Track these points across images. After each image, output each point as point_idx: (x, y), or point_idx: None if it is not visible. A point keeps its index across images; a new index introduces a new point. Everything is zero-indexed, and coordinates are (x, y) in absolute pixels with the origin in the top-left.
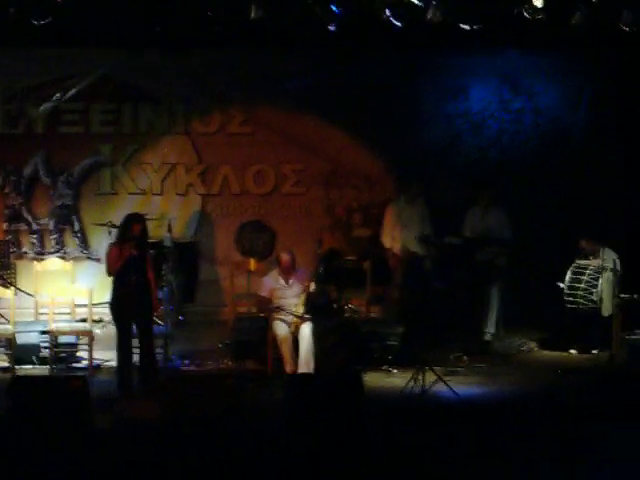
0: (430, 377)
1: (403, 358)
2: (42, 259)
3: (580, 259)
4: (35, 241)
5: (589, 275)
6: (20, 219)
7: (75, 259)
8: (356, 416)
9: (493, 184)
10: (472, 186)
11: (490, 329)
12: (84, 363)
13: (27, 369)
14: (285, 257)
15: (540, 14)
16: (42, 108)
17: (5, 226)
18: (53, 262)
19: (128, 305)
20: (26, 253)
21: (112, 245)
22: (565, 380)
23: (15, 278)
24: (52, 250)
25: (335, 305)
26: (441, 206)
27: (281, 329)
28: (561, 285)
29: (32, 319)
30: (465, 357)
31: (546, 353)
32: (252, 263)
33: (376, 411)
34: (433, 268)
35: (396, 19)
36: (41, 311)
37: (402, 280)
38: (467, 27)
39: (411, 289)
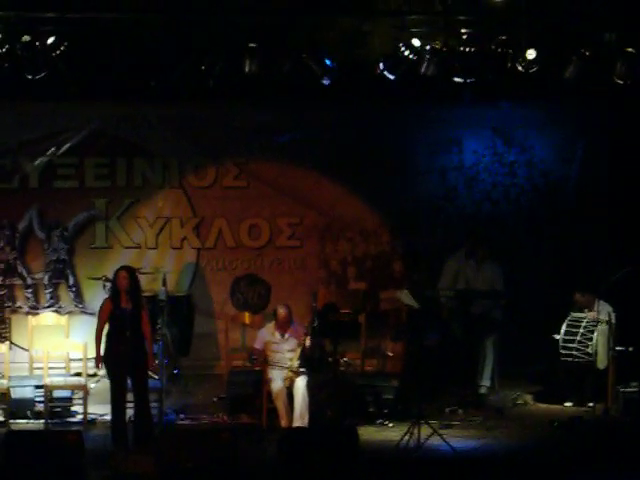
0: (426, 431)
1: (398, 412)
2: (36, 313)
3: (575, 312)
4: (30, 295)
5: (584, 328)
6: (14, 273)
7: (70, 313)
8: (351, 470)
9: (488, 237)
10: (466, 239)
11: (485, 382)
12: (79, 417)
13: (22, 423)
14: (282, 311)
15: (533, 67)
16: (36, 162)
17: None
18: (47, 316)
19: (123, 360)
20: (20, 307)
21: (105, 299)
22: (561, 433)
23: (9, 332)
24: (47, 304)
25: (330, 358)
26: (436, 259)
27: (276, 383)
28: (556, 337)
29: (27, 373)
30: (460, 410)
31: (541, 406)
32: (247, 316)
33: (371, 465)
34: (427, 322)
35: (390, 72)
36: (35, 365)
37: (397, 334)
38: (460, 80)
39: (406, 342)
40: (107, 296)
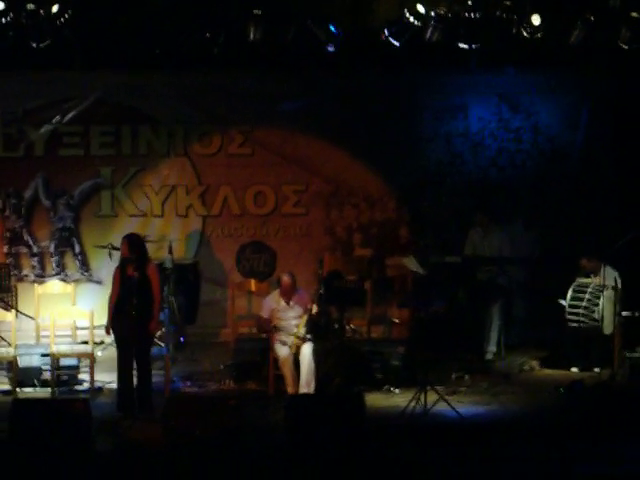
0: (432, 397)
1: (404, 378)
2: (43, 282)
3: (581, 277)
4: (36, 264)
5: (590, 293)
6: (20, 242)
7: (76, 281)
8: (358, 436)
9: (494, 205)
10: (473, 207)
11: (491, 348)
12: (86, 385)
13: (29, 392)
14: (286, 279)
15: (538, 32)
16: (41, 131)
17: (5, 249)
18: (54, 285)
19: (129, 327)
20: (27, 276)
21: (116, 267)
22: (566, 398)
23: (16, 301)
24: (53, 273)
25: (336, 325)
26: (442, 225)
27: (282, 350)
28: (562, 303)
29: (33, 342)
30: (467, 376)
31: (547, 371)
32: (253, 284)
33: (378, 431)
34: (434, 288)
35: (395, 39)
36: (42, 334)
37: (403, 300)
38: (465, 46)
39: (412, 309)
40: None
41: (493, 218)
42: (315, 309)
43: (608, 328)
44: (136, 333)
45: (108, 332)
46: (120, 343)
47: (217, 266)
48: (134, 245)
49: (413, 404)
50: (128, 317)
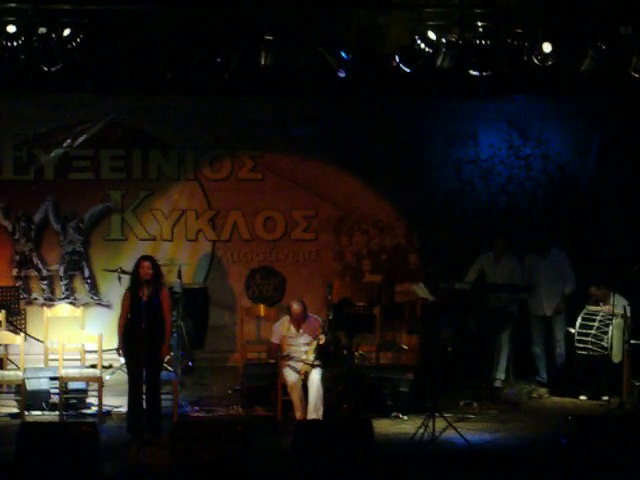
0: (440, 424)
1: (413, 405)
2: (52, 305)
3: (590, 305)
4: (45, 287)
5: (599, 321)
6: (30, 265)
7: (85, 305)
8: (366, 463)
9: (507, 233)
10: (493, 233)
11: (500, 375)
12: (94, 409)
13: (37, 415)
14: (296, 307)
15: (549, 60)
16: (52, 154)
17: (15, 272)
18: (63, 308)
19: (139, 351)
20: (36, 299)
21: (126, 289)
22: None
23: (25, 324)
24: (62, 296)
25: (345, 351)
26: (451, 252)
27: (291, 375)
28: (572, 331)
29: (42, 365)
30: (475, 403)
31: (556, 399)
32: (262, 309)
33: (386, 458)
34: (443, 314)
35: (406, 65)
36: (51, 357)
37: (412, 327)
38: (476, 73)
39: (421, 335)
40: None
41: (508, 246)
42: (323, 340)
43: (617, 356)
44: (147, 356)
45: (120, 353)
46: (129, 367)
47: (226, 291)
48: (155, 266)
49: (421, 431)
50: (139, 340)
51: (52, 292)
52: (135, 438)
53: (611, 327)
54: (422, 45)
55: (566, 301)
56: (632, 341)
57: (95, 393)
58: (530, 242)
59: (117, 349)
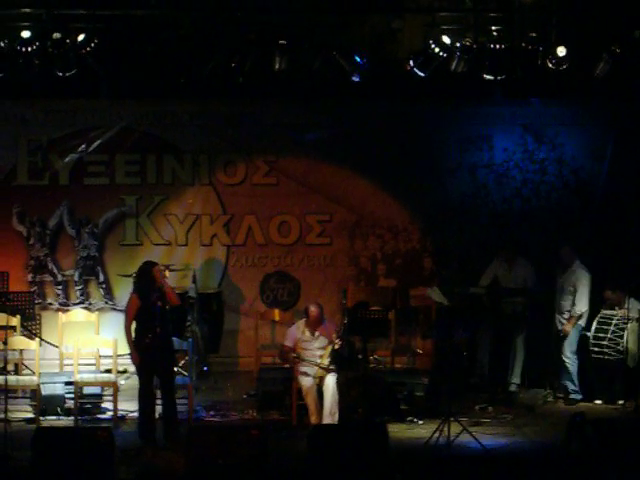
0: (455, 428)
1: (428, 409)
2: (67, 310)
3: (606, 309)
4: (60, 292)
5: (615, 325)
6: (45, 270)
7: (100, 310)
8: (381, 467)
9: (514, 239)
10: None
11: (515, 380)
12: (109, 414)
13: (52, 420)
14: (314, 310)
15: (563, 64)
16: (67, 160)
17: (30, 277)
18: (78, 313)
19: (151, 357)
20: (51, 304)
21: (131, 295)
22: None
23: (40, 329)
24: (77, 301)
25: (360, 356)
26: (466, 256)
27: (306, 380)
28: (587, 334)
29: (57, 370)
30: (490, 408)
31: None
32: (277, 313)
33: (401, 462)
34: (457, 319)
35: (420, 69)
36: (66, 362)
37: (427, 331)
38: (491, 77)
39: (436, 340)
40: (133, 292)
41: (518, 250)
42: (338, 344)
43: (633, 360)
44: (159, 363)
45: (134, 358)
46: (141, 372)
47: (241, 295)
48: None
49: (436, 435)
50: (154, 345)
51: (67, 297)
52: (147, 444)
53: (626, 331)
54: (436, 49)
55: (575, 320)
56: None
57: (110, 398)
58: (558, 258)
59: (131, 355)
